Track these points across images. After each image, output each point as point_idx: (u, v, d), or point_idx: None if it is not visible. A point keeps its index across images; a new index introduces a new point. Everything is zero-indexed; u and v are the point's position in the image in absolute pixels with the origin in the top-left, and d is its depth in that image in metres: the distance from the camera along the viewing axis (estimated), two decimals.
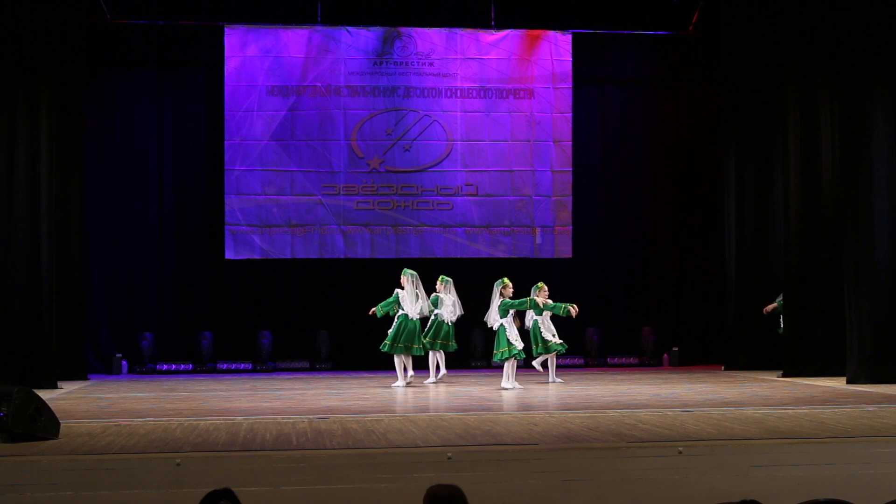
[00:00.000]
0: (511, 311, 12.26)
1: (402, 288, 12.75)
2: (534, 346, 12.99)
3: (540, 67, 16.43)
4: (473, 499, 6.57)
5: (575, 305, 12.58)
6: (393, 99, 16.20)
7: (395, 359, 12.82)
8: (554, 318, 13.16)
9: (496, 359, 12.40)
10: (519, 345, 12.17)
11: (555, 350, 13.03)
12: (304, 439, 7.89)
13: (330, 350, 15.93)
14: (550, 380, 13.14)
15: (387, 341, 12.69)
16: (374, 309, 12.89)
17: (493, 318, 12.33)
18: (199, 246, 16.11)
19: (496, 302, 12.33)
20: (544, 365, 13.29)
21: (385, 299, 12.86)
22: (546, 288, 12.83)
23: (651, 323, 16.61)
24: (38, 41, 13.10)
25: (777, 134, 14.77)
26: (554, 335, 13.02)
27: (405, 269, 12.90)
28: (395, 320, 12.72)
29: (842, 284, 12.95)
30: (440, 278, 13.13)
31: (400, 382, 12.69)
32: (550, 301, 12.73)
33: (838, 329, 13.01)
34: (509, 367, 12.26)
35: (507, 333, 12.13)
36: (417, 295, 12.75)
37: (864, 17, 12.73)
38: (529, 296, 12.55)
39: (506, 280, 12.43)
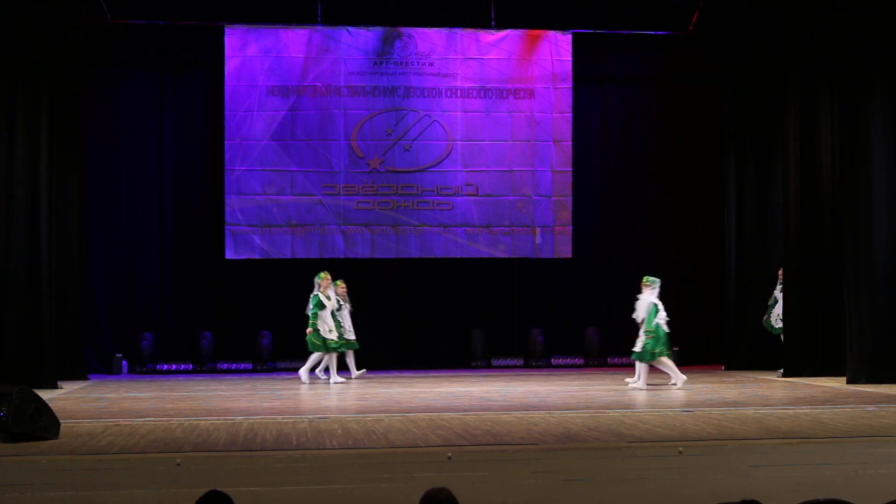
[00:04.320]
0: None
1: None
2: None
3: (540, 67, 16.42)
4: (473, 499, 6.59)
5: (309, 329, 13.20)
6: (393, 99, 16.19)
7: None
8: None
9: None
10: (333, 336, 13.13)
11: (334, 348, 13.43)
12: (304, 439, 7.90)
13: None
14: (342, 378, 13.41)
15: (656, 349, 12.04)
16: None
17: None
18: (199, 246, 16.09)
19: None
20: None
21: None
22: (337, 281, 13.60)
23: None
24: (38, 41, 13.10)
25: (777, 134, 14.75)
26: (331, 330, 13.26)
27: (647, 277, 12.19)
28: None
29: (842, 284, 12.96)
30: (645, 279, 12.37)
31: (640, 384, 12.26)
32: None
33: (838, 329, 13.01)
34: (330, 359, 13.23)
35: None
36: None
37: (865, 17, 12.73)
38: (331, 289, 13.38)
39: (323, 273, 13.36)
